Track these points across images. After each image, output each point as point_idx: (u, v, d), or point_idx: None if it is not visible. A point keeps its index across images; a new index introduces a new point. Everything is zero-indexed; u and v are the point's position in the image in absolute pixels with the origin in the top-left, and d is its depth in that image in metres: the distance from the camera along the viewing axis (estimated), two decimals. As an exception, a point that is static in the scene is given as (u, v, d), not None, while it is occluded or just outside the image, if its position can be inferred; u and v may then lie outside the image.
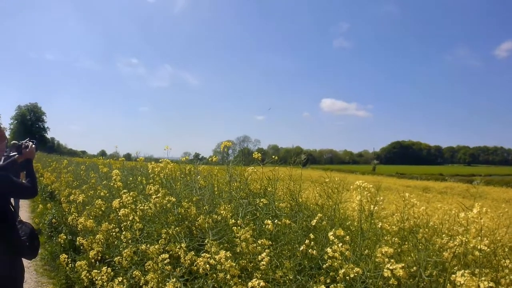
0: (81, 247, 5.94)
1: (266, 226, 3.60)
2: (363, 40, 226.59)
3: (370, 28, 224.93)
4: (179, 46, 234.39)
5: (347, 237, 3.16)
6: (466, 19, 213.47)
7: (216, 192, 4.89)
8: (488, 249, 3.19)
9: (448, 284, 2.88)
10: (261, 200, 4.16)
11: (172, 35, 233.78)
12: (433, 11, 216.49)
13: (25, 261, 4.30)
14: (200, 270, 3.39)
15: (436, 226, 4.62)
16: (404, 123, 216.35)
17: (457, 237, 3.59)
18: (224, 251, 3.24)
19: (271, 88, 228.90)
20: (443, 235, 3.94)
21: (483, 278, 2.61)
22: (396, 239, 3.86)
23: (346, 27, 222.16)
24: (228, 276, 3.23)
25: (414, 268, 3.27)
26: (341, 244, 3.02)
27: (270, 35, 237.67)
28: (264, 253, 3.27)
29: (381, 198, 4.05)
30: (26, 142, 4.66)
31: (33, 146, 4.65)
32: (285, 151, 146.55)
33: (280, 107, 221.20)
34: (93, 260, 5.23)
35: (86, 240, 5.70)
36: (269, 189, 4.67)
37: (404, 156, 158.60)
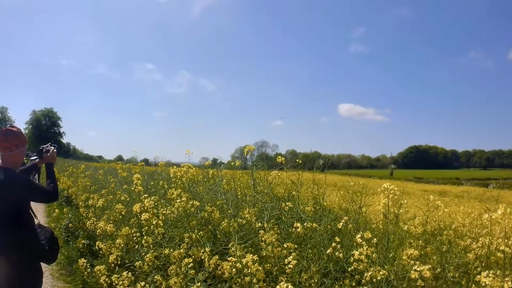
0: (99, 252, 5.93)
1: (295, 229, 3.57)
2: (379, 44, 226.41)
3: (386, 33, 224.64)
4: (196, 53, 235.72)
5: (375, 239, 3.13)
6: (479, 22, 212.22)
7: (239, 196, 4.87)
8: (511, 251, 3.14)
9: (473, 285, 2.85)
10: (286, 204, 4.13)
11: (189, 42, 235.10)
12: (447, 15, 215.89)
13: (42, 265, 4.31)
14: (226, 274, 3.38)
15: (458, 229, 4.58)
16: (421, 127, 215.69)
17: (480, 238, 3.56)
18: (251, 255, 3.21)
19: (289, 94, 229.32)
20: (466, 237, 3.90)
21: (507, 279, 2.58)
22: (420, 241, 3.83)
23: (362, 32, 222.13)
24: (255, 280, 3.21)
25: (438, 270, 3.25)
26: (367, 247, 2.99)
27: (286, 41, 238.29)
28: (291, 257, 3.24)
29: (405, 201, 4.03)
30: (47, 147, 4.68)
31: (55, 150, 4.68)
32: (304, 156, 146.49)
33: (298, 113, 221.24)
34: (112, 265, 5.22)
35: (105, 245, 5.69)
36: (293, 193, 4.64)
37: (421, 160, 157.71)
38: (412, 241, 3.90)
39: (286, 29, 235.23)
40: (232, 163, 5.28)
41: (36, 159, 4.72)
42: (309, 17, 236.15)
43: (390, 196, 3.62)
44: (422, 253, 3.74)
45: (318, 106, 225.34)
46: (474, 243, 3.60)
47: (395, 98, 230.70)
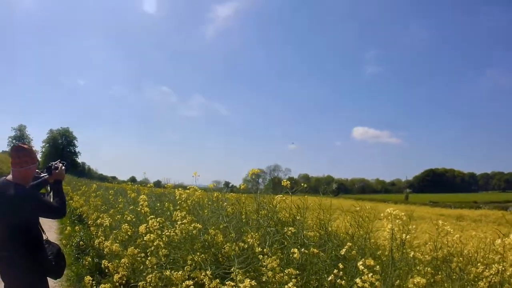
0: (107, 271, 5.92)
1: (292, 255, 3.52)
2: (393, 66, 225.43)
3: (400, 54, 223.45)
4: (210, 76, 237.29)
5: (377, 267, 3.05)
6: (495, 39, 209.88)
7: (243, 220, 4.84)
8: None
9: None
10: (289, 229, 4.08)
11: (203, 65, 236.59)
12: (462, 34, 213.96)
13: (51, 281, 4.33)
14: (225, 298, 3.33)
15: (470, 255, 4.48)
16: (437, 150, 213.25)
17: (493, 265, 3.47)
18: (249, 280, 3.17)
19: (303, 117, 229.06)
20: (478, 264, 3.81)
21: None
22: (428, 269, 3.75)
23: (376, 54, 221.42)
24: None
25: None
26: (371, 274, 2.92)
27: (300, 64, 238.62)
28: (291, 283, 3.19)
29: (414, 226, 3.95)
30: (56, 164, 4.74)
31: (63, 167, 4.74)
32: (316, 180, 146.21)
33: (312, 136, 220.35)
34: (117, 284, 5.21)
35: (111, 264, 5.69)
36: (298, 218, 4.59)
37: (437, 184, 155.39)
38: (420, 268, 3.82)
39: (299, 52, 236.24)
40: (238, 187, 5.25)
41: (45, 175, 4.78)
42: (323, 39, 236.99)
43: (396, 221, 3.55)
44: (431, 281, 3.66)
45: (332, 129, 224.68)
46: (486, 270, 3.52)
47: (410, 120, 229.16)
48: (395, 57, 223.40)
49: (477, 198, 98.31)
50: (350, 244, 3.72)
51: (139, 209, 5.70)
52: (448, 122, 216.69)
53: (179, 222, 4.35)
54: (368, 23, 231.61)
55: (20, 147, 4.23)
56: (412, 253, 4.01)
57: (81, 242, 9.97)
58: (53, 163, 4.85)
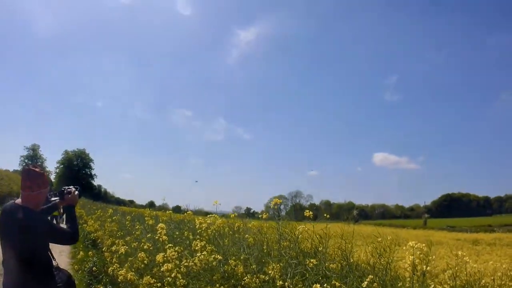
0: (120, 300, 5.86)
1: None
2: (412, 91, 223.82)
3: (419, 80, 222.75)
4: (233, 101, 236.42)
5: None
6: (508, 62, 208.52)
7: (265, 250, 4.77)
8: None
9: None
10: (311, 261, 4.00)
11: (226, 89, 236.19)
12: (478, 57, 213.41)
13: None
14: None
15: (488, 284, 4.41)
16: (454, 174, 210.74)
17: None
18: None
19: (324, 143, 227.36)
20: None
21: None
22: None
23: (396, 79, 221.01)
24: None
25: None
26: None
27: (321, 89, 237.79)
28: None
29: (433, 257, 3.89)
30: (69, 188, 4.68)
31: (76, 192, 4.67)
32: (338, 206, 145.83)
33: (333, 162, 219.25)
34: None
35: (126, 293, 5.63)
36: (320, 249, 4.52)
37: (454, 208, 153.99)
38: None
39: (321, 78, 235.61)
40: (260, 215, 5.19)
41: (57, 199, 4.73)
42: (343, 65, 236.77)
43: (417, 253, 3.53)
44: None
45: (353, 155, 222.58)
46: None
47: (428, 146, 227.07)
48: (413, 83, 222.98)
49: (492, 222, 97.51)
50: (372, 276, 3.65)
51: (157, 237, 5.65)
52: (465, 146, 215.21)
53: (198, 254, 4.30)
54: (387, 50, 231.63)
55: (31, 170, 4.09)
56: (433, 285, 3.94)
57: (94, 268, 9.88)
58: (66, 187, 4.73)
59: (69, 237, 4.20)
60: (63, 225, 4.40)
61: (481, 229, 65.26)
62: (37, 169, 4.14)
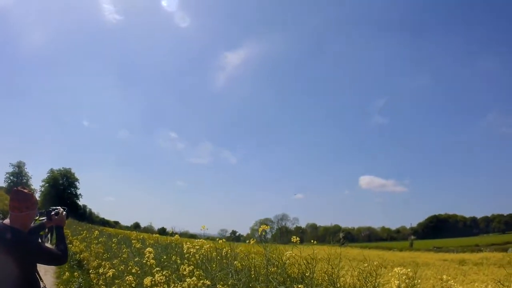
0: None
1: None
2: (398, 114, 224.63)
3: (405, 102, 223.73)
4: (219, 124, 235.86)
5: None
6: (498, 84, 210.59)
7: (252, 276, 4.78)
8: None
9: None
10: (298, 286, 4.02)
11: (213, 112, 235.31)
12: (466, 79, 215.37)
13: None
14: None
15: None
16: (440, 196, 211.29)
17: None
18: None
19: (311, 166, 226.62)
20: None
21: None
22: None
23: (383, 103, 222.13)
24: None
25: None
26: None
27: (308, 113, 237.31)
28: None
29: (419, 281, 3.92)
30: (56, 209, 4.68)
31: (64, 213, 4.67)
32: (324, 229, 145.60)
33: (319, 185, 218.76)
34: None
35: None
36: (307, 274, 4.54)
37: (440, 229, 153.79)
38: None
39: (308, 100, 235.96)
40: (247, 241, 5.20)
41: (44, 219, 4.73)
42: (331, 87, 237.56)
43: (403, 278, 3.57)
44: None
45: (340, 178, 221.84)
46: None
47: (414, 168, 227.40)
48: (401, 105, 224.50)
49: (479, 241, 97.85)
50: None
51: (144, 261, 5.65)
52: (451, 167, 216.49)
53: (188, 279, 4.29)
54: (373, 73, 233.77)
55: (19, 191, 4.10)
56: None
57: (79, 289, 9.83)
58: (53, 207, 4.74)
59: (59, 259, 4.17)
60: (49, 245, 4.39)
61: (467, 249, 65.40)
62: (25, 190, 4.15)
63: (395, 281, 3.60)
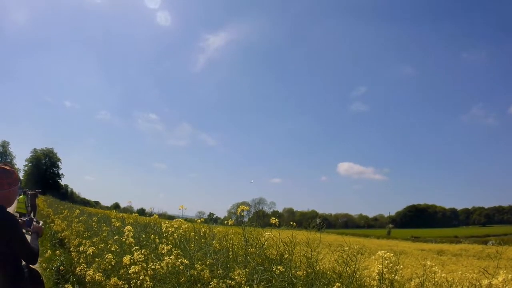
0: (88, 300, 5.83)
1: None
2: (379, 103, 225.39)
3: (387, 92, 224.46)
4: (198, 106, 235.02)
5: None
6: (482, 77, 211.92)
7: (231, 256, 4.79)
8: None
9: None
10: (278, 268, 4.03)
11: (192, 95, 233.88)
12: (449, 71, 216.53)
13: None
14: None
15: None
16: (420, 186, 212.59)
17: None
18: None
19: (289, 151, 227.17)
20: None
21: None
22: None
23: (363, 91, 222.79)
24: None
25: None
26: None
27: (287, 98, 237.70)
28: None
29: (401, 266, 3.95)
30: (37, 220, 4.81)
31: (42, 226, 4.77)
32: (301, 214, 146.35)
33: (297, 171, 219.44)
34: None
35: (93, 293, 5.59)
36: (285, 256, 4.56)
37: (419, 219, 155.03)
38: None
39: (287, 86, 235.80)
40: (225, 221, 5.21)
41: (27, 218, 4.91)
42: (310, 75, 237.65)
43: (385, 263, 3.58)
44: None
45: (318, 164, 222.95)
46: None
47: (394, 157, 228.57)
48: (381, 95, 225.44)
49: (458, 233, 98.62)
50: (339, 284, 3.70)
51: (124, 239, 5.63)
52: (431, 159, 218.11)
53: (166, 258, 4.29)
54: (354, 61, 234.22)
55: (1, 168, 4.11)
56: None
57: (61, 267, 9.78)
58: (35, 219, 4.85)
59: (31, 255, 4.09)
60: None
61: (446, 240, 65.95)
62: (7, 167, 4.16)
63: (378, 265, 3.61)
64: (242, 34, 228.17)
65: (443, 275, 4.34)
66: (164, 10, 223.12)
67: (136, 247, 4.98)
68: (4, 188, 4.04)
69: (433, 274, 4.26)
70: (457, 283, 5.12)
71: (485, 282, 4.16)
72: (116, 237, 6.95)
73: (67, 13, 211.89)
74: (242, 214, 4.82)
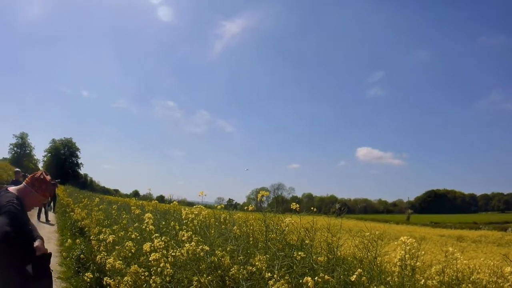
0: (108, 287, 5.84)
1: (305, 282, 3.44)
2: (397, 88, 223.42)
3: (404, 76, 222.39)
4: (216, 93, 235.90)
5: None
6: (501, 62, 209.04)
7: (251, 242, 4.77)
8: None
9: None
10: (299, 253, 4.00)
11: (209, 81, 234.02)
12: (466, 56, 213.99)
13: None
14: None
15: (477, 280, 4.41)
16: (439, 171, 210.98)
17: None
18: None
19: (307, 137, 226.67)
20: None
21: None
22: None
23: (381, 76, 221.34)
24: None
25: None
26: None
27: (305, 84, 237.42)
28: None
29: (422, 252, 3.90)
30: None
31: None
32: (320, 199, 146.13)
33: (316, 156, 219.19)
34: (119, 302, 5.14)
35: (113, 281, 5.60)
36: (306, 241, 4.53)
37: (438, 205, 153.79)
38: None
39: (303, 72, 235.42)
40: (245, 207, 5.18)
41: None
42: (328, 61, 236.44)
43: (407, 249, 3.54)
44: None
45: (337, 149, 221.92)
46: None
47: (412, 142, 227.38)
48: (399, 80, 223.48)
49: (477, 219, 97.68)
50: (360, 270, 3.66)
51: (143, 226, 5.65)
52: (450, 144, 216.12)
53: (186, 245, 4.28)
54: (371, 46, 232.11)
55: (50, 178, 4.40)
56: (423, 280, 3.94)
57: (81, 256, 9.85)
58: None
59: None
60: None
61: (465, 226, 65.55)
62: (48, 177, 4.37)
63: (401, 251, 3.58)
64: (258, 20, 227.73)
65: (464, 261, 4.28)
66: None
67: (156, 234, 4.99)
68: (39, 192, 4.22)
69: (454, 261, 4.22)
70: (479, 270, 5.06)
71: (508, 269, 4.10)
72: (136, 224, 6.98)
73: (82, 1, 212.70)
74: (262, 199, 4.80)
